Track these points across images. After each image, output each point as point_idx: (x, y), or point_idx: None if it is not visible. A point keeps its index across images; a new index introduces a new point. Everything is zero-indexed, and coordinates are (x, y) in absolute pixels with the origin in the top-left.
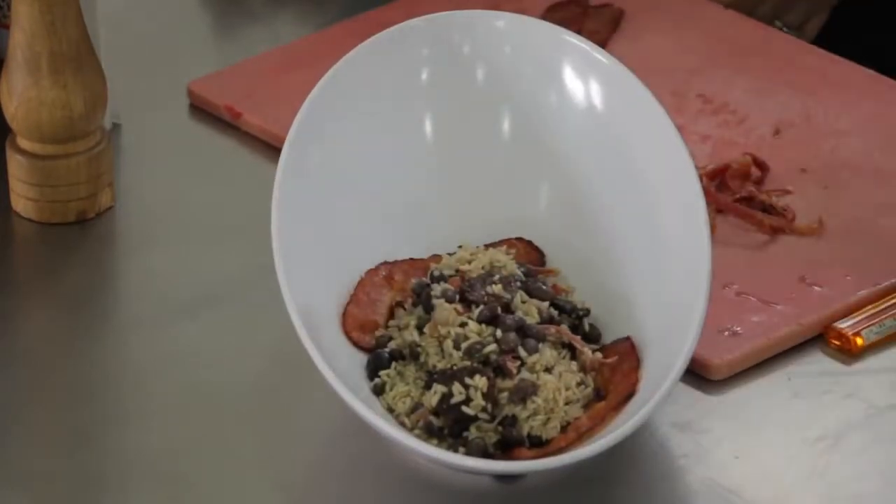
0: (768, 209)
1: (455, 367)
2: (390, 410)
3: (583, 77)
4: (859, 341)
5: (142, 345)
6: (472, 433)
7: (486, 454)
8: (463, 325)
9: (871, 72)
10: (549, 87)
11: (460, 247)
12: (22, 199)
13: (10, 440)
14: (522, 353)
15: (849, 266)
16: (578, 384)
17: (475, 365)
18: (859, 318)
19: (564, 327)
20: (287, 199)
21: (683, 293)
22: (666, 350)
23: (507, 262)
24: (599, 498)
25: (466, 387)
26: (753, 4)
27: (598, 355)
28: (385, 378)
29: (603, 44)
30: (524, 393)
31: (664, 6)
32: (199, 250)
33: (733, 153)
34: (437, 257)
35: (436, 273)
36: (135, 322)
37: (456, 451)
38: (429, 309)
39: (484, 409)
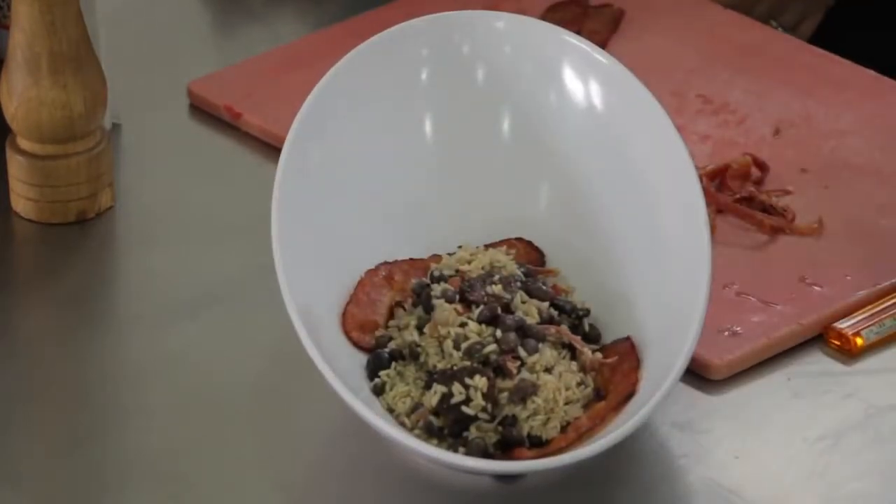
0: (768, 209)
1: (455, 367)
2: (390, 410)
3: (583, 77)
4: (859, 341)
5: (142, 345)
6: (472, 433)
7: (486, 454)
8: (463, 325)
9: (871, 72)
10: (549, 87)
11: (460, 247)
12: (22, 200)
13: (9, 440)
14: (522, 353)
15: (849, 266)
16: (578, 384)
17: (475, 365)
18: (859, 318)
19: (564, 327)
20: (287, 199)
21: (683, 293)
22: (666, 350)
23: (507, 263)
24: (599, 498)
25: (466, 387)
26: (751, 4)
27: (598, 355)
28: (385, 378)
29: (603, 44)
30: (524, 393)
31: (664, 6)
32: (199, 250)
33: (733, 153)
34: (437, 257)
35: (436, 273)
36: (135, 322)
37: (456, 451)
38: (429, 309)
39: (484, 409)
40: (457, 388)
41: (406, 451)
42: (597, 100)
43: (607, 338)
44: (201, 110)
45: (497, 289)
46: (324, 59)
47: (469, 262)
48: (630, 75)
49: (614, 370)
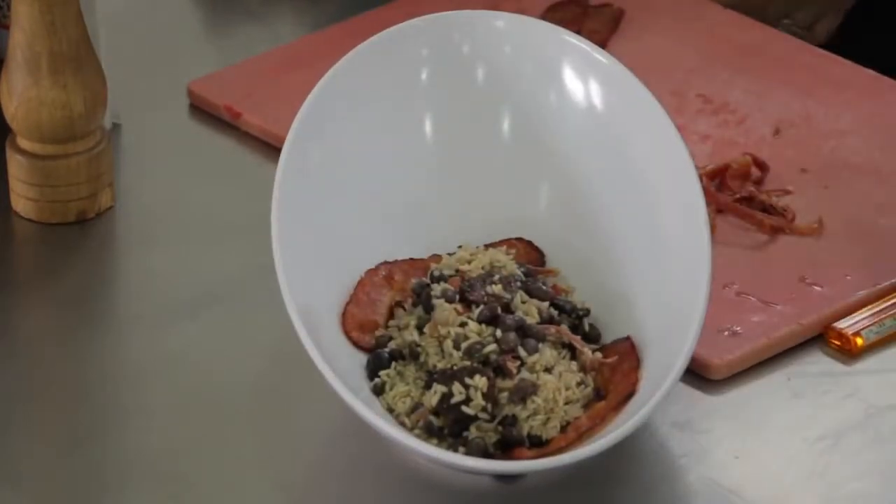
0: (768, 209)
1: (455, 367)
2: (390, 410)
3: (583, 77)
4: (859, 341)
5: (142, 344)
6: (472, 433)
7: (486, 454)
8: (463, 325)
9: (872, 72)
10: (549, 87)
11: (460, 247)
12: (22, 199)
13: (9, 440)
14: (522, 353)
15: (849, 266)
16: (578, 384)
17: (475, 365)
18: (859, 318)
19: (564, 327)
20: (287, 199)
21: (683, 293)
22: (666, 350)
23: (507, 262)
24: (599, 498)
25: (466, 387)
26: (764, 3)
27: (598, 355)
28: (385, 378)
29: (603, 44)
30: (524, 393)
31: (664, 6)
32: (199, 250)
33: (733, 153)
34: (437, 257)
35: (436, 273)
36: (135, 322)
37: (456, 450)
38: (429, 309)
39: (484, 409)
40: (457, 387)
41: (406, 451)
42: (597, 100)
43: (607, 338)
44: (201, 110)
45: (497, 289)
46: (324, 59)
47: (469, 262)
48: (630, 75)
49: (614, 370)
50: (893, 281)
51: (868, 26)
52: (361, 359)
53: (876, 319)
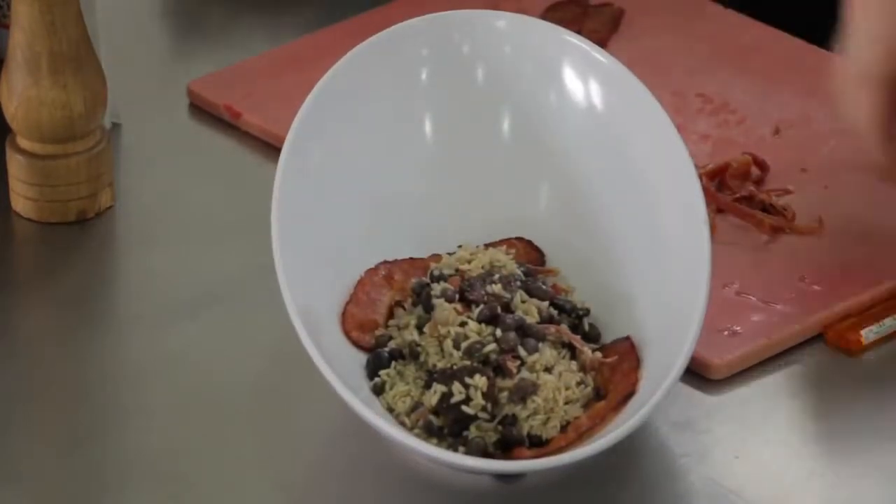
0: (768, 209)
1: (455, 367)
2: (390, 410)
3: (583, 77)
4: (860, 341)
5: (142, 344)
6: (472, 433)
7: (485, 454)
8: (463, 324)
9: None
10: (549, 87)
11: (460, 247)
12: (22, 199)
13: (9, 440)
14: (522, 352)
15: (849, 266)
16: (578, 384)
17: (475, 364)
18: (859, 318)
19: (564, 327)
20: (287, 199)
21: (683, 293)
22: (666, 350)
23: (507, 262)
24: (599, 498)
25: (466, 386)
26: None
27: (598, 355)
28: (385, 378)
29: (603, 44)
30: (524, 392)
31: (664, 6)
32: (199, 250)
33: (733, 153)
34: (437, 257)
35: (436, 273)
36: (135, 322)
37: (456, 450)
38: (429, 308)
39: (484, 409)
40: (457, 387)
41: (406, 451)
42: (597, 100)
43: (607, 337)
44: (201, 110)
45: (497, 288)
46: (324, 59)
47: (469, 262)
48: (630, 75)
49: (614, 370)
50: (893, 281)
51: None
52: (361, 358)
53: (876, 319)
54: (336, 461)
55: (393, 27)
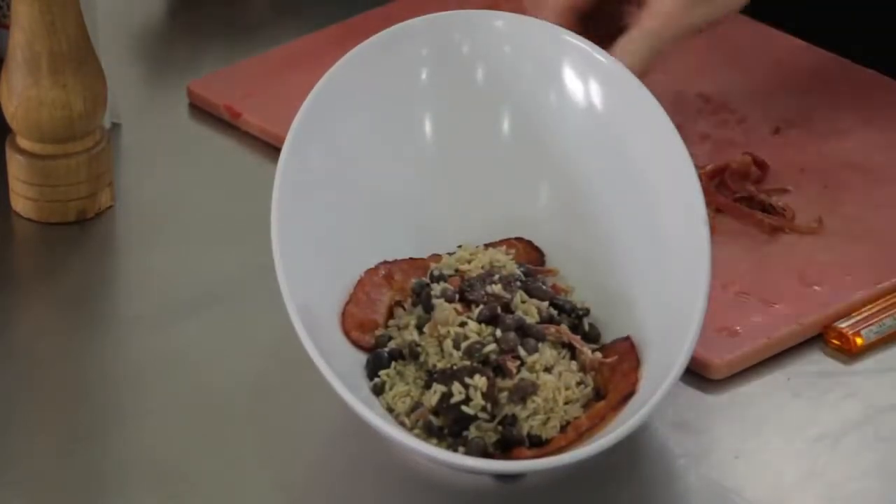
0: (768, 209)
1: (455, 367)
2: (390, 410)
3: (583, 77)
4: (859, 341)
5: (141, 344)
6: (472, 433)
7: (485, 454)
8: (463, 324)
9: (872, 72)
10: (549, 87)
11: (460, 246)
12: (22, 199)
13: (9, 440)
14: (522, 352)
15: (849, 266)
16: (578, 384)
17: (475, 365)
18: (859, 317)
19: (564, 327)
20: (287, 199)
21: (683, 293)
22: (666, 350)
23: (507, 262)
24: (599, 498)
25: (466, 386)
26: None
27: (598, 355)
28: (385, 378)
29: None
30: (524, 392)
31: None
32: (199, 250)
33: (733, 153)
34: (436, 257)
35: (435, 273)
36: (134, 322)
37: (456, 450)
38: (428, 308)
39: (484, 409)
40: (456, 387)
41: (406, 451)
42: (597, 100)
43: (607, 337)
44: (201, 110)
45: (497, 288)
46: (324, 59)
47: (469, 262)
48: (630, 75)
49: (614, 370)
50: (893, 281)
51: (869, 26)
52: (361, 358)
53: (876, 319)
54: (336, 461)
55: (393, 27)
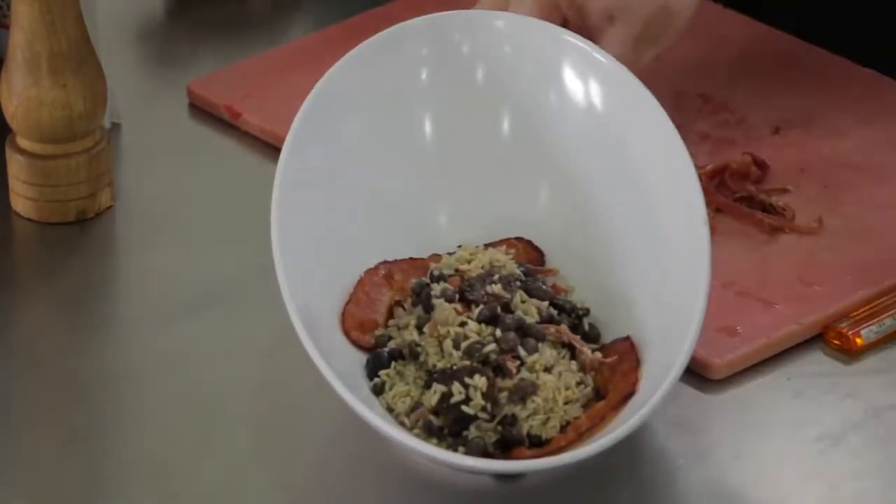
0: (768, 209)
1: (455, 367)
2: (390, 410)
3: (583, 77)
4: (859, 341)
5: (141, 344)
6: (472, 433)
7: (485, 454)
8: (462, 324)
9: (872, 72)
10: (549, 87)
11: (460, 246)
12: (22, 199)
13: (9, 440)
14: (522, 352)
15: (849, 266)
16: (578, 384)
17: (475, 364)
18: (859, 317)
19: (564, 327)
20: (287, 199)
21: (683, 293)
22: (666, 350)
23: (507, 262)
24: (599, 498)
25: (466, 386)
26: None
27: (598, 355)
28: (385, 378)
29: None
30: (524, 392)
31: None
32: (199, 250)
33: (733, 153)
34: (436, 257)
35: (435, 273)
36: (134, 322)
37: (456, 450)
38: (428, 308)
39: (483, 409)
40: (456, 387)
41: (406, 451)
42: (597, 100)
43: (607, 337)
44: (201, 110)
45: (497, 288)
46: (324, 59)
47: (469, 262)
48: (630, 75)
49: (614, 370)
50: (893, 281)
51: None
52: (361, 358)
53: (876, 319)
54: (336, 461)
55: (393, 27)
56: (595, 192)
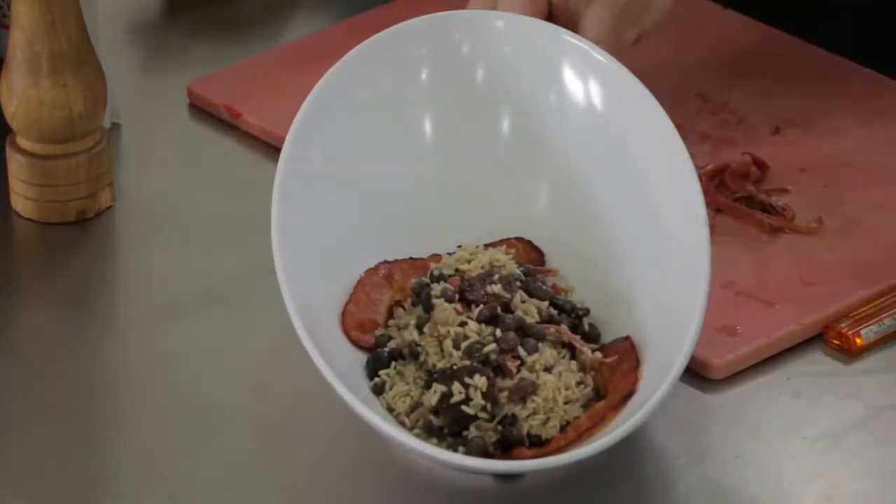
0: (768, 209)
1: (455, 367)
2: (390, 410)
3: (582, 77)
4: (859, 341)
5: (141, 344)
6: (472, 433)
7: (485, 454)
8: (463, 324)
9: (872, 72)
10: (549, 87)
11: (460, 246)
12: (22, 199)
13: (8, 439)
14: (522, 352)
15: (849, 266)
16: (578, 384)
17: (475, 364)
18: (858, 317)
19: (564, 327)
20: (287, 199)
21: (683, 293)
22: (666, 350)
23: (507, 262)
24: (599, 498)
25: (466, 386)
26: None
27: (598, 355)
28: (385, 377)
29: None
30: (524, 392)
31: None
32: (199, 250)
33: (733, 153)
34: (436, 257)
35: (435, 273)
36: (134, 322)
37: (456, 450)
38: (428, 308)
39: (484, 409)
40: (456, 387)
41: (406, 451)
42: (597, 100)
43: (607, 337)
44: (201, 110)
45: (497, 288)
46: (324, 59)
47: (469, 262)
48: (630, 75)
49: (614, 369)
50: (893, 281)
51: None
52: (361, 358)
53: (876, 319)
54: (336, 461)
55: (393, 27)
56: (595, 192)
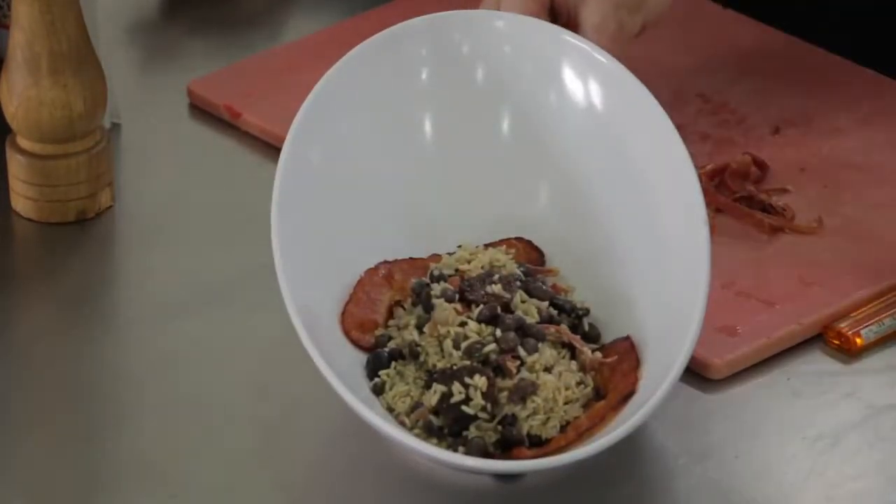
0: (768, 209)
1: (455, 367)
2: (390, 410)
3: (582, 77)
4: (858, 341)
5: (141, 344)
6: (472, 432)
7: (485, 454)
8: (463, 324)
9: (872, 72)
10: (549, 87)
11: (460, 246)
12: (22, 199)
13: (8, 439)
14: (522, 352)
15: (848, 266)
16: (578, 384)
17: (475, 364)
18: (858, 317)
19: (564, 327)
20: (287, 199)
21: (683, 293)
22: (666, 350)
23: (507, 262)
24: (599, 498)
25: (466, 386)
26: None
27: (598, 355)
28: (385, 377)
29: None
30: (524, 392)
31: None
32: (199, 250)
33: (733, 152)
34: (436, 257)
35: (435, 273)
36: (134, 322)
37: (456, 450)
38: (428, 308)
39: (484, 409)
40: (456, 387)
41: (406, 451)
42: (597, 100)
43: (607, 337)
44: (201, 110)
45: (497, 288)
46: (324, 59)
47: (469, 262)
48: (630, 75)
49: (614, 370)
50: (893, 281)
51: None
52: (361, 358)
53: (875, 319)
54: (336, 461)
55: (393, 27)
56: (595, 192)
